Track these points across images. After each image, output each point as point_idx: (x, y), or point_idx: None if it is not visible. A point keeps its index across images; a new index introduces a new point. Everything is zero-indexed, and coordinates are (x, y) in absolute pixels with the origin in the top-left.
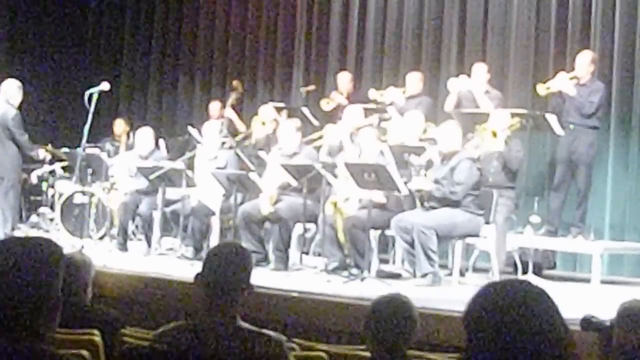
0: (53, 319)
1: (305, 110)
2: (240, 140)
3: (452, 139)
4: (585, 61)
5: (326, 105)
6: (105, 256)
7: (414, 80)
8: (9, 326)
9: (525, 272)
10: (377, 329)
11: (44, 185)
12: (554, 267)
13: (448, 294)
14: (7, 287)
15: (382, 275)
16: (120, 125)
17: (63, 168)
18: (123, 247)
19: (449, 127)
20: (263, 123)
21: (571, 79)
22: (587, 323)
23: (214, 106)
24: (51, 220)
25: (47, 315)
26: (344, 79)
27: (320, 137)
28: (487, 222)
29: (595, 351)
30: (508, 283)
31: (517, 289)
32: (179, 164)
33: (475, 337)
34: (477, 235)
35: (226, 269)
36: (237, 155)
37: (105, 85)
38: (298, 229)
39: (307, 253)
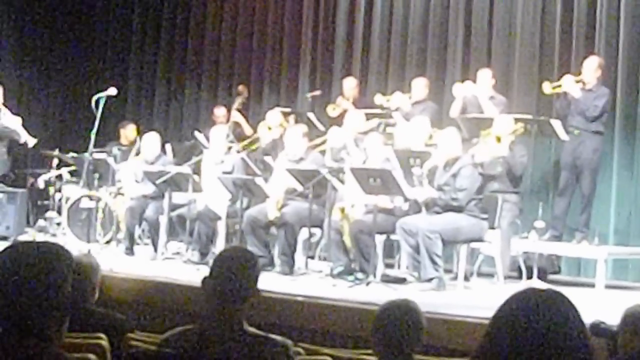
0: (62, 323)
1: (311, 116)
2: (247, 145)
3: (453, 145)
4: (592, 66)
5: (332, 111)
6: (111, 260)
7: (420, 86)
8: (19, 329)
9: (529, 277)
10: (385, 333)
11: (51, 189)
12: (558, 272)
13: (453, 299)
14: (18, 291)
15: (387, 279)
16: (132, 131)
17: (70, 172)
18: (130, 251)
19: (448, 134)
20: (269, 128)
21: (577, 82)
22: (597, 329)
23: (220, 111)
24: (58, 224)
25: (57, 319)
26: (350, 85)
27: (324, 142)
28: (492, 227)
29: (604, 357)
30: (538, 292)
31: (546, 299)
32: (186, 169)
33: (498, 342)
34: (481, 240)
35: (233, 273)
36: (244, 160)
37: (112, 91)
38: (304, 233)
39: (312, 257)
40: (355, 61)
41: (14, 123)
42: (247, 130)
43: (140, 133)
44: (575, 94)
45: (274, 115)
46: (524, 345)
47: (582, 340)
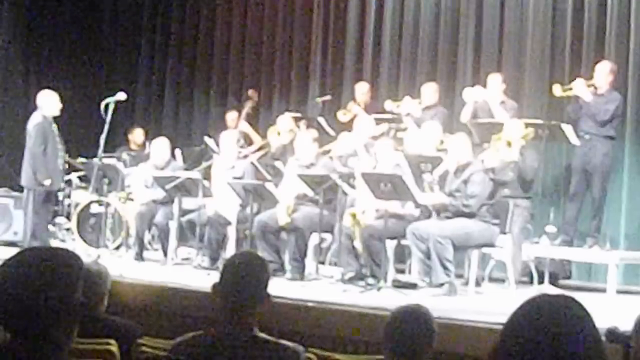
0: (72, 329)
1: (322, 121)
2: (256, 151)
3: (463, 150)
4: (604, 71)
5: (343, 116)
6: (121, 266)
7: (430, 91)
8: (28, 335)
9: (541, 282)
10: (396, 339)
11: (61, 194)
12: (569, 276)
13: (464, 304)
14: (28, 296)
15: (399, 285)
16: (140, 135)
17: (79, 178)
18: (139, 257)
19: (459, 139)
20: (278, 133)
21: (589, 86)
22: (613, 335)
23: (231, 116)
24: (67, 229)
25: (67, 325)
26: (362, 90)
27: (334, 148)
28: (503, 232)
29: None
30: (552, 298)
31: (560, 304)
32: (196, 174)
33: (512, 348)
34: (492, 245)
35: (243, 278)
36: (254, 165)
37: (121, 95)
38: (314, 238)
39: (323, 263)
40: (366, 66)
41: None
42: (255, 139)
43: (149, 138)
44: (586, 97)
45: (285, 120)
46: (538, 352)
47: (596, 347)
